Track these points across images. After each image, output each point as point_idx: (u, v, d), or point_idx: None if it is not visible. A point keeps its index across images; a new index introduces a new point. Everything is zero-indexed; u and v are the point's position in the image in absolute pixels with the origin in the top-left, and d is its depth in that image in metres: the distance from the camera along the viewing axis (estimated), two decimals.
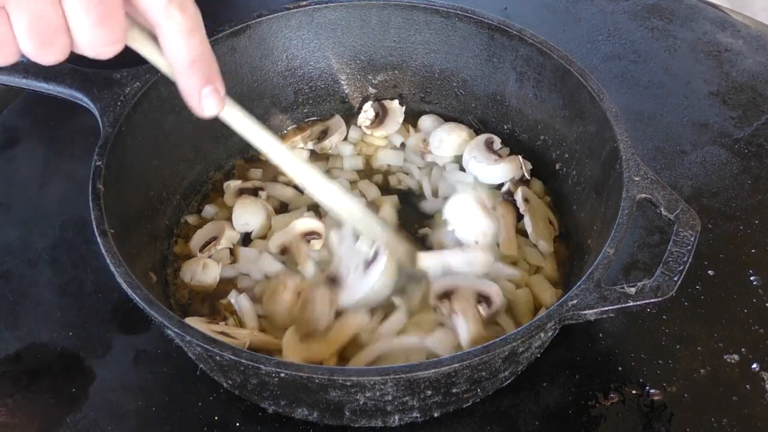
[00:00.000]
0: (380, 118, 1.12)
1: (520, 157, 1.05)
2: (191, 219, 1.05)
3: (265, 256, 0.98)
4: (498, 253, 0.97)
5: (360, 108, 1.15)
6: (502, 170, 1.04)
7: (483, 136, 1.08)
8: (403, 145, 1.13)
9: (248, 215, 1.02)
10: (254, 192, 1.06)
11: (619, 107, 0.93)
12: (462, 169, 1.08)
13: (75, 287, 0.98)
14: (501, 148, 1.08)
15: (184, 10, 0.69)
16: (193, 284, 0.97)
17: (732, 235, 1.02)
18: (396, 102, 1.14)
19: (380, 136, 1.12)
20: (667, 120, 1.16)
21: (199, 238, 1.02)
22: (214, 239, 1.00)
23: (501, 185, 1.05)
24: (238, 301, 0.94)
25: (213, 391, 0.89)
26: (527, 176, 1.05)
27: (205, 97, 0.72)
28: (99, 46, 0.67)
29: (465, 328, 0.87)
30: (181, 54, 0.70)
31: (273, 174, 1.09)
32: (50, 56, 0.67)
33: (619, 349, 0.92)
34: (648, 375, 0.89)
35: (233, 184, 1.07)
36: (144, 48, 0.75)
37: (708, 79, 1.22)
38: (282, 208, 1.06)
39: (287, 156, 0.87)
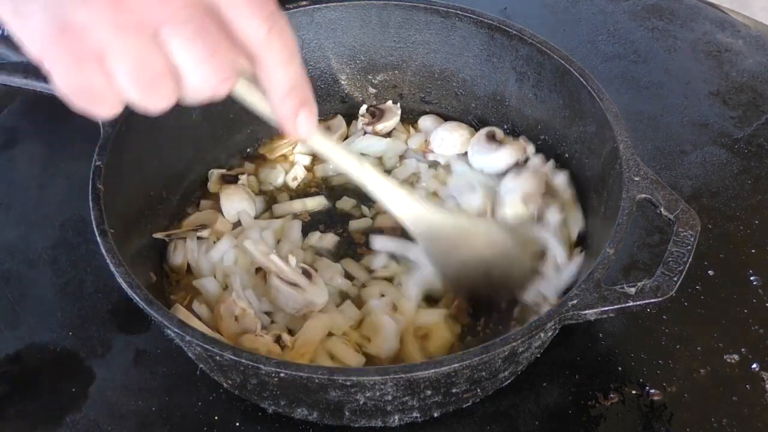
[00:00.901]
0: (378, 116, 1.12)
1: (522, 137, 1.05)
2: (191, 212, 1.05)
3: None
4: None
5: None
6: (504, 155, 1.04)
7: (484, 130, 1.08)
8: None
9: (236, 204, 1.03)
10: (235, 179, 1.07)
11: (619, 107, 0.92)
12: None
13: (75, 287, 0.98)
14: (504, 137, 1.08)
15: (282, 38, 0.68)
16: (168, 267, 0.98)
17: (732, 235, 1.02)
18: (389, 102, 1.14)
19: (383, 129, 1.12)
20: (667, 120, 1.16)
21: (188, 224, 1.02)
22: (204, 226, 1.01)
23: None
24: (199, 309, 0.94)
25: (213, 391, 0.89)
26: (531, 156, 1.05)
27: (302, 121, 0.72)
28: (208, 84, 0.64)
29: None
30: (281, 82, 0.70)
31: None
32: (158, 102, 0.64)
33: (619, 349, 0.92)
34: (648, 375, 0.89)
35: (216, 172, 1.07)
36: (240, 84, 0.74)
37: (708, 79, 1.22)
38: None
39: (372, 176, 0.87)
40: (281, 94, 0.70)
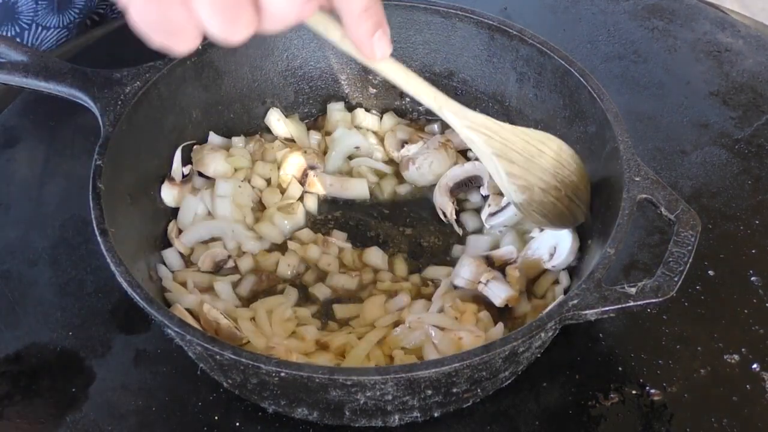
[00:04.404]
0: None
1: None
2: None
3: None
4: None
5: None
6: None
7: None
8: None
9: (217, 164, 1.04)
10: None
11: (619, 107, 0.93)
12: None
13: (75, 287, 0.98)
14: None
15: None
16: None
17: (732, 235, 1.02)
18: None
19: None
20: (667, 120, 1.16)
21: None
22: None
23: None
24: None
25: (213, 391, 0.89)
26: None
27: (377, 41, 0.74)
28: (290, 8, 0.65)
29: (504, 289, 0.91)
30: (355, 3, 0.71)
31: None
32: (239, 31, 0.64)
33: (619, 349, 0.92)
34: (648, 375, 0.89)
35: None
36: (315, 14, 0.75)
37: (708, 79, 1.22)
38: None
39: (447, 105, 0.88)
40: (356, 15, 0.71)
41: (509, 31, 1.03)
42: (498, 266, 0.95)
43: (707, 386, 0.88)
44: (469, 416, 0.86)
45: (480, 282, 0.93)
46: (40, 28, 1.28)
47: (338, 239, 1.02)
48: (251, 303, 0.96)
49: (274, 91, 1.12)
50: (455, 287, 0.95)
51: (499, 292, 0.92)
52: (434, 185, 1.07)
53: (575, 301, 0.77)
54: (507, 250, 0.96)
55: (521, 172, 0.90)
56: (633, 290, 0.78)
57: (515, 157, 0.90)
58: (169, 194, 1.01)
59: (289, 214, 1.03)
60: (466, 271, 0.94)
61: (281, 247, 1.02)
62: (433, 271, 0.99)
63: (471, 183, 1.05)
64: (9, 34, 1.26)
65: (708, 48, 1.26)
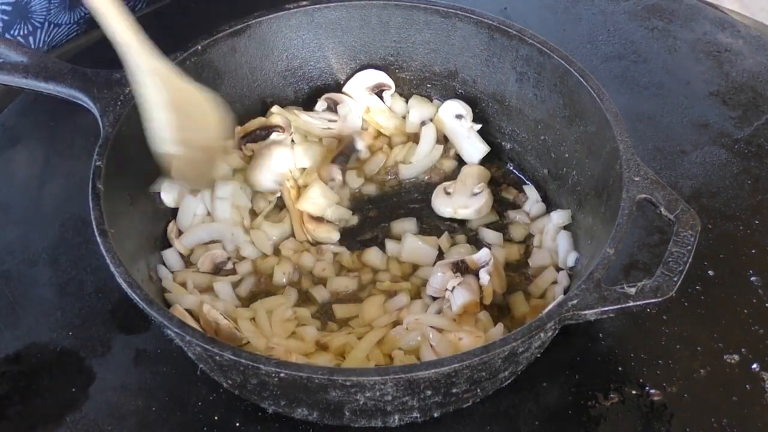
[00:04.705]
0: None
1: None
2: None
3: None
4: None
5: None
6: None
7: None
8: None
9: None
10: None
11: (619, 107, 0.93)
12: None
13: (75, 287, 0.98)
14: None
15: None
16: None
17: (732, 235, 1.02)
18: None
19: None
20: (667, 120, 1.16)
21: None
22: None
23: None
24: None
25: (213, 391, 0.89)
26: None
27: None
28: None
29: (462, 295, 0.90)
30: None
31: None
32: None
33: (619, 349, 0.92)
34: (648, 375, 0.89)
35: None
36: None
37: (708, 79, 1.22)
38: None
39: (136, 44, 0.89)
40: None
41: (509, 31, 1.03)
42: (474, 270, 0.94)
43: (707, 386, 0.89)
44: (469, 416, 0.86)
45: (447, 289, 0.92)
46: (52, 26, 1.28)
47: (331, 244, 1.02)
48: (251, 303, 0.96)
49: (273, 91, 1.12)
50: (432, 297, 0.95)
51: (457, 299, 0.91)
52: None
53: (575, 301, 0.77)
54: (480, 254, 0.95)
55: (181, 126, 0.92)
56: (632, 290, 0.78)
57: (180, 110, 0.92)
58: (169, 195, 1.01)
59: (277, 222, 1.03)
60: (435, 280, 0.94)
61: (279, 251, 1.02)
62: (426, 271, 0.99)
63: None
64: (22, 33, 1.27)
65: (708, 48, 1.26)
